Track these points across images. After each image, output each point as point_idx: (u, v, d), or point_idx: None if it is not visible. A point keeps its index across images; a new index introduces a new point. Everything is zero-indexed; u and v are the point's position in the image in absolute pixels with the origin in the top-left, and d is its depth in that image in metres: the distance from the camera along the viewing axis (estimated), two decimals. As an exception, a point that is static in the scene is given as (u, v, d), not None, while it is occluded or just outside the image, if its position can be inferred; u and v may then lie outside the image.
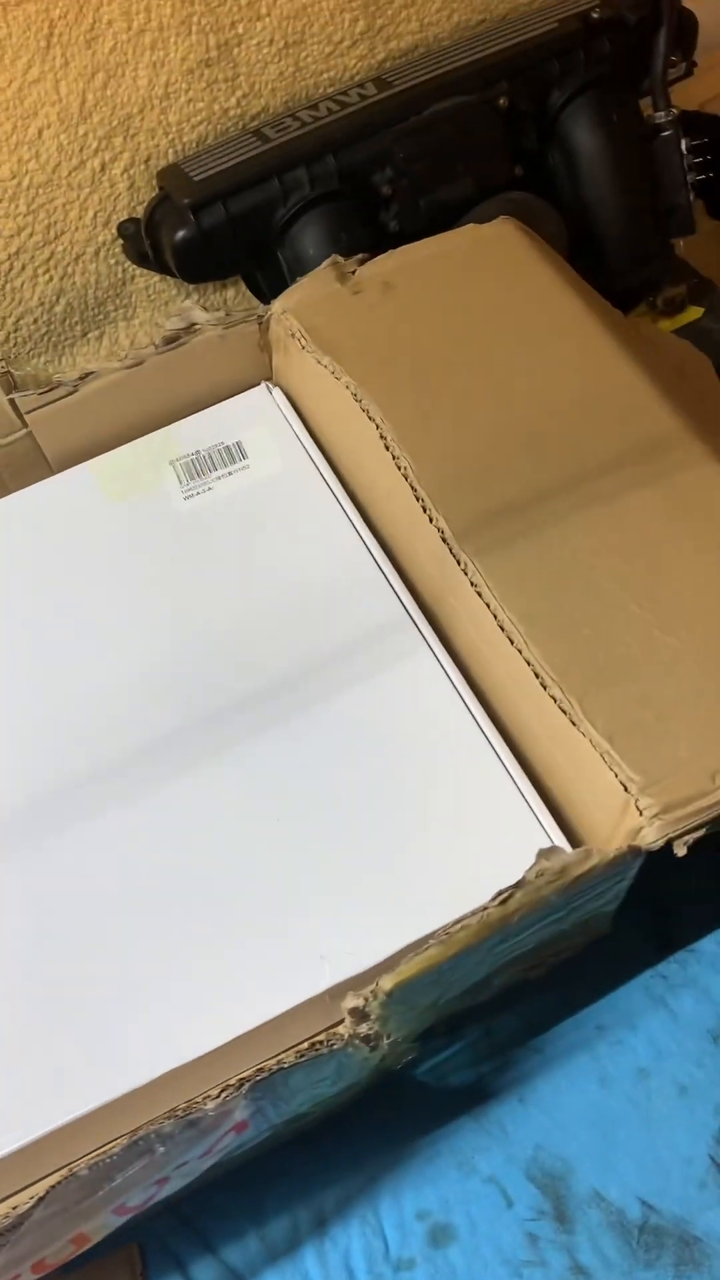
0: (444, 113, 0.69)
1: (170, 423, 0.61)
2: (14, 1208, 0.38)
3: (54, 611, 0.56)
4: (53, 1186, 0.38)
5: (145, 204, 0.72)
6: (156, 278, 0.77)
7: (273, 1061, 0.40)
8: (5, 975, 0.46)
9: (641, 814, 0.42)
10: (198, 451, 0.59)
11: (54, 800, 0.50)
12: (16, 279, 0.73)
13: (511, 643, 0.47)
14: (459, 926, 0.40)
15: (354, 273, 0.60)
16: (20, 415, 0.59)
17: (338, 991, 0.43)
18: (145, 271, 0.76)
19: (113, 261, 0.75)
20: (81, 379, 0.59)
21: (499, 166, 0.71)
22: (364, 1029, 0.41)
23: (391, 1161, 0.50)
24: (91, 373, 0.59)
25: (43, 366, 0.78)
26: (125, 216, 0.73)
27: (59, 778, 0.50)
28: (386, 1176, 0.50)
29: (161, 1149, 0.39)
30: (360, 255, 0.61)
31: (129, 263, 0.75)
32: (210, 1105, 0.39)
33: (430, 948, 0.40)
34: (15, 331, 0.75)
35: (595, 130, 0.72)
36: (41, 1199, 0.38)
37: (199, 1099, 0.39)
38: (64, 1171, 0.38)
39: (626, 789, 0.42)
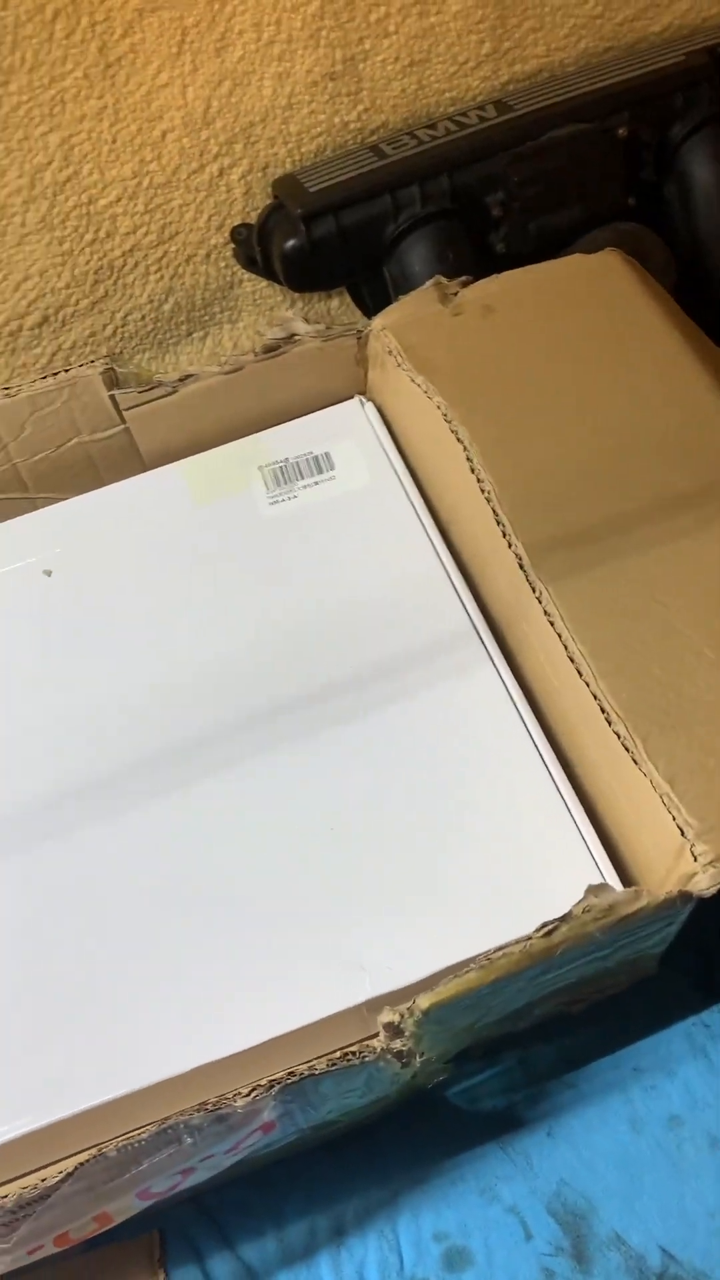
0: (561, 139, 0.69)
1: (262, 429, 0.62)
2: (43, 1180, 0.39)
3: (130, 603, 0.57)
4: (81, 1164, 0.39)
5: (259, 211, 0.73)
6: (263, 283, 0.79)
7: (304, 1067, 0.40)
8: (58, 957, 0.47)
9: (696, 860, 0.41)
10: (286, 459, 0.60)
11: (116, 787, 0.51)
12: (129, 275, 0.74)
13: (580, 675, 0.47)
14: (501, 953, 0.40)
15: (456, 294, 0.60)
16: (119, 411, 0.61)
17: (375, 1005, 0.43)
18: (253, 277, 0.77)
19: (222, 265, 0.77)
20: (180, 381, 0.60)
21: (612, 196, 0.71)
22: (397, 1045, 0.41)
23: (415, 1179, 0.51)
24: (191, 375, 0.60)
25: (146, 363, 0.80)
26: (239, 221, 0.74)
27: (118, 765, 0.52)
28: (408, 1194, 0.50)
29: (189, 1140, 0.40)
30: (464, 277, 0.61)
31: (238, 267, 0.76)
32: (240, 1103, 0.40)
33: (470, 971, 0.40)
34: (123, 327, 0.77)
35: (714, 165, 0.71)
36: (70, 1175, 0.39)
37: (230, 1095, 0.40)
38: (93, 1151, 0.39)
39: (683, 833, 0.42)
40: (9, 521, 0.62)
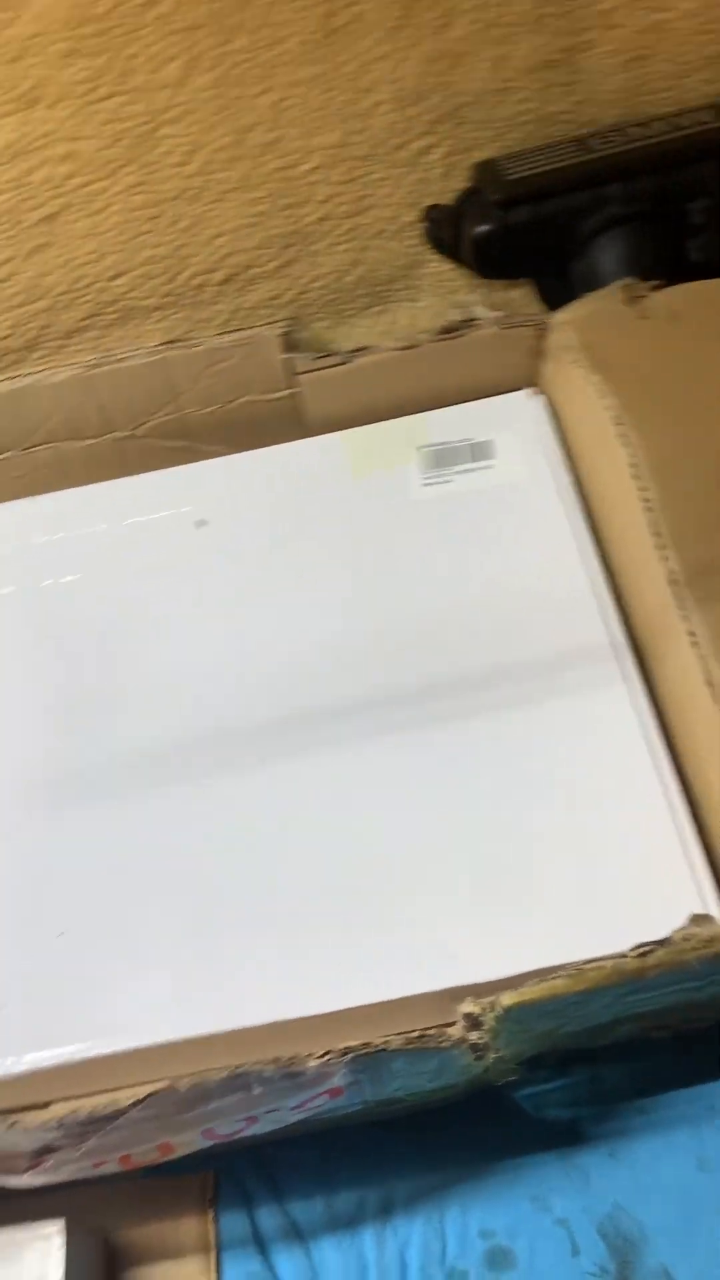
0: (777, 151, 0.67)
1: (428, 409, 0.62)
2: (116, 1100, 0.41)
3: (274, 563, 0.58)
4: (153, 1093, 0.40)
5: (455, 193, 0.73)
6: (448, 266, 0.78)
7: (380, 1040, 0.41)
8: (166, 892, 0.49)
9: None
10: (446, 443, 0.60)
11: (240, 743, 0.52)
12: (317, 244, 0.75)
13: (715, 702, 0.45)
14: (592, 966, 0.40)
15: (645, 297, 0.59)
16: (291, 375, 0.62)
17: (458, 994, 0.43)
18: (439, 259, 0.77)
19: (410, 243, 0.76)
20: (355, 352, 0.61)
21: None
22: (474, 1036, 0.41)
23: (469, 1173, 0.51)
24: (365, 348, 0.61)
25: (323, 331, 0.81)
26: (433, 201, 0.74)
27: (243, 722, 0.53)
28: (460, 1185, 0.50)
29: (258, 1089, 0.41)
30: (655, 282, 0.60)
31: (425, 247, 0.76)
32: (313, 1063, 0.40)
33: (557, 978, 0.40)
34: (304, 293, 0.78)
35: None
36: (141, 1101, 0.41)
37: (304, 1055, 0.41)
38: (166, 1083, 0.40)
39: None
40: (171, 469, 0.64)
